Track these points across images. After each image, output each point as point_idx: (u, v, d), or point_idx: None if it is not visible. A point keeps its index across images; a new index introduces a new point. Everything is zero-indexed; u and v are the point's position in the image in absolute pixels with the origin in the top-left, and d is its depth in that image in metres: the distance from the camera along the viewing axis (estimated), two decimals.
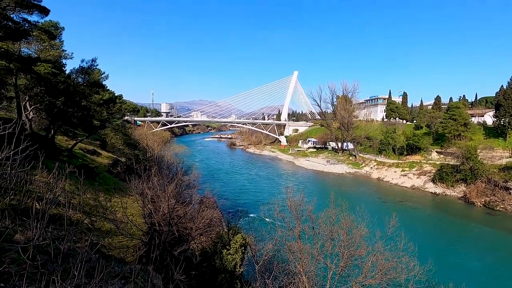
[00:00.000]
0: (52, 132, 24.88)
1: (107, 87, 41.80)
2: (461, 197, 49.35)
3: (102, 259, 8.19)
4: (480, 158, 51.31)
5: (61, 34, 26.53)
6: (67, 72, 27.90)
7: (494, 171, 48.93)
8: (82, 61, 27.29)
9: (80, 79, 27.52)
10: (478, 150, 53.08)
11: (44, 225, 5.91)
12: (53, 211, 9.02)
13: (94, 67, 28.53)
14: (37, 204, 7.21)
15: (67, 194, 12.19)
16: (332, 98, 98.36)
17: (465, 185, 50.35)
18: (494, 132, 65.26)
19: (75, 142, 30.27)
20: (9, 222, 6.47)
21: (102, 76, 33.98)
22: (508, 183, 45.48)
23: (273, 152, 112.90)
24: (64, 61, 28.55)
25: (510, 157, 54.85)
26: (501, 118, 62.26)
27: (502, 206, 43.65)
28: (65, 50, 28.39)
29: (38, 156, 8.52)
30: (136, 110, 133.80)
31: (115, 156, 36.33)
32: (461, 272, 24.90)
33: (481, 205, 45.38)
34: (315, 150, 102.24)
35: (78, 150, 30.61)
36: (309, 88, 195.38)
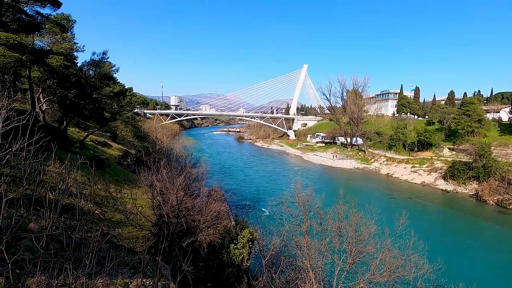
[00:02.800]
0: (64, 124, 25.35)
1: (117, 79, 42.16)
2: (473, 194, 48.31)
3: (113, 248, 8.36)
4: (494, 155, 49.95)
5: (73, 27, 26.83)
6: (78, 64, 28.27)
7: (508, 168, 47.62)
8: (93, 54, 27.57)
9: (91, 72, 27.85)
10: (492, 147, 51.64)
11: (57, 215, 6.04)
12: (66, 201, 9.22)
13: (105, 60, 28.80)
14: (50, 194, 7.37)
15: (78, 185, 12.43)
16: (342, 92, 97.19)
17: (477, 182, 49.22)
18: (510, 129, 63.32)
19: (86, 134, 30.79)
20: (24, 211, 6.64)
21: (113, 69, 34.35)
22: None
23: (281, 146, 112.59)
24: (75, 53, 28.93)
25: None
26: None
27: None
28: (77, 43, 28.73)
29: (51, 147, 8.68)
30: (145, 103, 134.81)
31: (125, 148, 36.85)
32: (471, 272, 24.50)
33: (493, 204, 44.36)
34: (323, 144, 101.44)
35: (89, 141, 31.15)
36: (319, 82, 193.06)
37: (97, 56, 27.50)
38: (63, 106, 24.46)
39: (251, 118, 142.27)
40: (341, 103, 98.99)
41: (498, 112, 77.51)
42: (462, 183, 51.26)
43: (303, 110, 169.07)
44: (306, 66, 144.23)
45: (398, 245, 13.30)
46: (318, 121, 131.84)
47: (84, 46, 29.20)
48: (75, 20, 26.79)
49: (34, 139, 6.06)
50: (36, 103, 23.20)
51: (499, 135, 62.80)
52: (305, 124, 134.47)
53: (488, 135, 62.23)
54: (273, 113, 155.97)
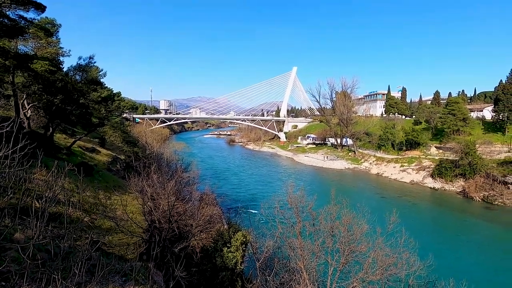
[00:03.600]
0: (50, 130, 24.74)
1: (105, 84, 41.61)
2: (460, 191, 49.54)
3: (103, 256, 8.16)
4: (479, 153, 51.43)
5: (58, 31, 26.32)
6: (64, 69, 27.70)
7: (492, 165, 49.09)
8: (80, 58, 27.02)
9: (78, 77, 27.30)
10: (477, 145, 53.20)
11: (44, 224, 5.87)
12: (53, 210, 8.97)
13: (92, 65, 28.28)
14: (36, 203, 7.16)
15: (66, 192, 12.12)
16: (331, 94, 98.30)
17: (464, 180, 50.53)
18: (493, 127, 65.33)
19: (74, 140, 30.12)
20: (9, 221, 6.42)
21: (100, 73, 33.74)
22: (507, 177, 45.63)
23: (272, 148, 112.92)
24: (61, 58, 28.38)
25: (508, 151, 54.95)
26: (500, 113, 62.31)
27: (500, 200, 43.86)
28: (62, 48, 28.19)
29: (37, 154, 8.45)
30: (134, 107, 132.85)
31: (114, 154, 36.22)
32: (460, 267, 25.03)
33: (479, 200, 45.59)
34: (314, 146, 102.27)
35: (77, 148, 30.49)
36: (308, 84, 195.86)
37: (84, 60, 26.99)
38: (49, 112, 23.88)
39: (242, 121, 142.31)
40: (331, 105, 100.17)
41: (482, 111, 79.95)
42: (450, 181, 52.50)
43: (293, 112, 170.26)
44: (296, 69, 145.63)
45: (389, 243, 13.48)
46: (308, 122, 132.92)
47: (70, 50, 28.70)
48: (60, 24, 26.32)
49: (19, 146, 5.90)
50: (21, 110, 22.57)
51: (483, 133, 64.73)
52: (296, 126, 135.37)
53: (473, 134, 64.06)
54: (263, 116, 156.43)
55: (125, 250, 12.11)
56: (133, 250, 12.42)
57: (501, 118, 62.42)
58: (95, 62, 28.02)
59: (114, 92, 52.75)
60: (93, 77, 29.42)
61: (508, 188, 44.83)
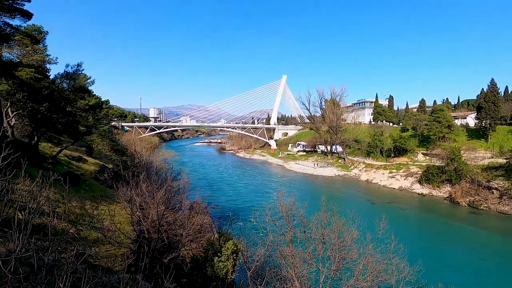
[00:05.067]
0: (35, 139, 24.11)
1: (93, 92, 41.02)
2: (447, 197, 50.58)
3: (89, 269, 7.91)
4: (464, 159, 52.84)
5: (45, 38, 25.99)
6: (51, 77, 27.22)
7: (477, 171, 50.45)
8: (67, 66, 26.70)
9: (65, 84, 26.88)
10: (462, 151, 54.70)
11: (27, 236, 5.67)
12: (37, 221, 8.70)
13: (80, 72, 27.95)
14: (19, 214, 6.92)
15: (51, 203, 11.77)
16: (321, 102, 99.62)
17: (450, 185, 51.67)
18: (476, 134, 67.47)
19: (60, 149, 29.41)
20: None
21: (88, 81, 33.37)
22: (491, 182, 46.94)
23: (263, 156, 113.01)
24: (48, 66, 27.89)
25: (492, 157, 56.71)
26: (483, 120, 64.46)
27: (485, 205, 44.98)
28: (49, 55, 27.76)
29: (21, 164, 8.20)
30: (123, 115, 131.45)
31: (102, 163, 35.49)
32: (448, 272, 25.39)
33: (465, 205, 46.63)
34: (304, 153, 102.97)
35: (63, 157, 29.76)
36: (298, 92, 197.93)
37: (71, 68, 26.66)
38: (34, 120, 23.32)
39: (232, 128, 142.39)
40: (320, 112, 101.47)
41: (465, 118, 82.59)
42: (437, 187, 53.59)
43: (283, 120, 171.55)
44: (285, 77, 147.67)
45: (380, 249, 13.57)
46: (298, 130, 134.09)
47: (57, 58, 28.27)
48: (47, 32, 26.01)
49: (2, 155, 5.74)
50: (4, 118, 21.95)
51: (467, 140, 66.72)
52: (286, 134, 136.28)
53: (458, 140, 65.92)
54: (254, 123, 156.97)
55: (113, 262, 11.79)
56: (120, 262, 12.09)
57: (483, 125, 64.55)
58: (83, 70, 27.75)
59: (102, 100, 52.10)
60: (80, 84, 29.01)
61: (492, 193, 46.07)
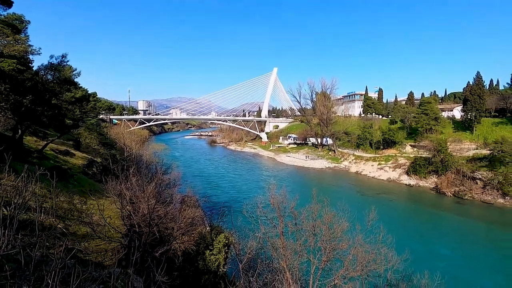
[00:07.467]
0: (19, 133, 23.38)
1: (79, 84, 39.76)
2: (433, 187, 52.00)
3: (79, 264, 7.80)
4: (450, 151, 54.25)
5: (27, 28, 24.87)
6: (34, 68, 26.25)
7: (462, 162, 51.95)
8: (51, 57, 25.75)
9: (49, 76, 25.98)
10: (448, 143, 56.07)
11: (13, 232, 5.53)
12: (23, 217, 8.48)
13: (65, 64, 27.02)
14: (4, 210, 6.72)
15: (38, 198, 11.48)
16: (312, 95, 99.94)
17: (437, 176, 53.08)
18: (462, 126, 69.12)
19: (46, 142, 28.64)
20: None
21: (74, 73, 32.23)
22: (475, 173, 48.46)
23: (254, 148, 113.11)
24: (31, 57, 26.78)
25: (476, 149, 58.39)
26: (468, 112, 66.01)
27: (469, 195, 46.49)
28: (32, 45, 26.63)
29: (5, 159, 7.95)
30: (111, 108, 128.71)
31: (90, 157, 34.80)
32: (435, 259, 26.27)
33: (451, 195, 48.07)
34: (295, 146, 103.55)
35: (49, 151, 29.01)
36: (289, 84, 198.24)
37: (56, 59, 25.74)
38: (17, 113, 22.53)
39: (223, 121, 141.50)
40: (311, 105, 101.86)
41: (452, 110, 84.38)
42: (424, 177, 54.98)
43: (274, 113, 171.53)
44: (276, 69, 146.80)
45: (369, 240, 13.89)
46: (289, 123, 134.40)
47: (40, 48, 27.12)
48: (29, 21, 24.87)
49: None
50: None
51: (453, 132, 68.33)
52: (277, 126, 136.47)
53: (444, 132, 67.44)
54: (245, 116, 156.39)
55: (103, 257, 11.66)
56: (111, 256, 11.97)
57: (469, 117, 66.12)
58: (68, 61, 26.85)
59: (89, 92, 50.68)
60: (66, 76, 28.08)
61: (476, 183, 47.60)
